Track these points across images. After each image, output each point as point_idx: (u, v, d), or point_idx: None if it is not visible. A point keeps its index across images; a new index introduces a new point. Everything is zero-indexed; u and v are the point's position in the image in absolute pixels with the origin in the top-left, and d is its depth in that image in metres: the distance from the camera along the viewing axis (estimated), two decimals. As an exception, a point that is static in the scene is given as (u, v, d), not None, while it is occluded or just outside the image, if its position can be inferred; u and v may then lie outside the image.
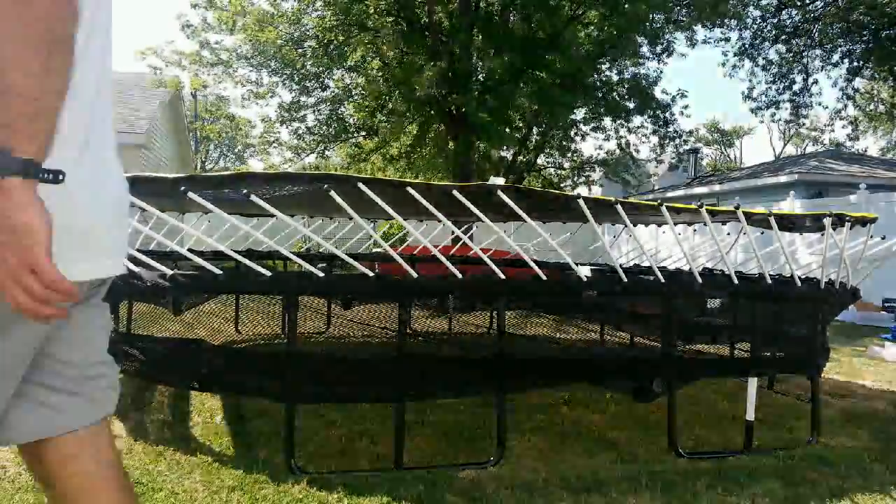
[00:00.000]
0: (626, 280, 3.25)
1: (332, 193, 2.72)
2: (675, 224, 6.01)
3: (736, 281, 3.47)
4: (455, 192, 2.91)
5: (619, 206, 3.11)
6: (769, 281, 3.59)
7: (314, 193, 3.06)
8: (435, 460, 3.16)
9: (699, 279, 3.40)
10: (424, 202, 2.85)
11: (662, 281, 3.34)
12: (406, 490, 2.76)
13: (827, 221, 3.52)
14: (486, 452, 3.25)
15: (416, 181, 3.08)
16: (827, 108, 36.08)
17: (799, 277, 3.75)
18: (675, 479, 3.02)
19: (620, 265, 3.69)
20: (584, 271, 3.13)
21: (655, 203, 3.22)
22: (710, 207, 3.44)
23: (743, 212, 3.37)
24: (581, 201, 3.05)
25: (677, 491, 2.90)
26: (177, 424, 3.64)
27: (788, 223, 3.94)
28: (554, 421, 3.92)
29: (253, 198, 2.69)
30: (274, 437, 3.37)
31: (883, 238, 4.34)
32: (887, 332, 7.58)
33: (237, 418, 3.77)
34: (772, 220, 3.42)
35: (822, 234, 3.72)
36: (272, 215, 2.86)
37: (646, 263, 5.42)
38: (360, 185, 2.72)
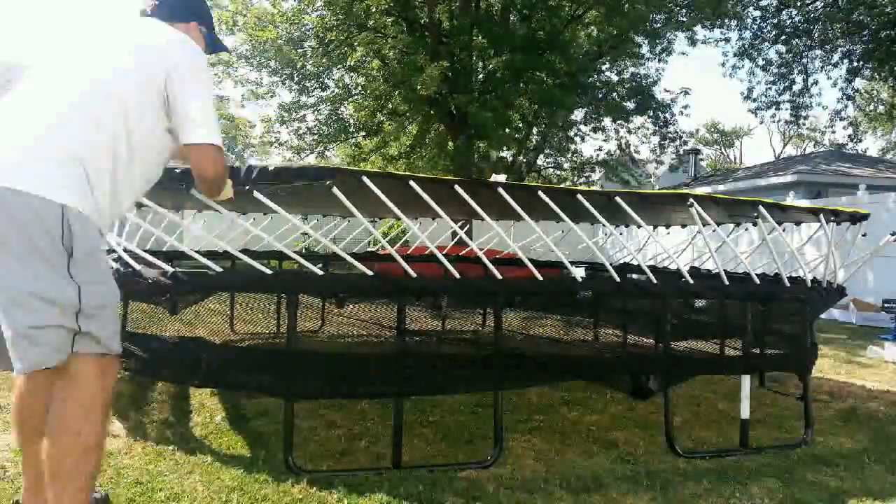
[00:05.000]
0: (619, 280, 3.28)
1: (335, 190, 2.72)
2: (672, 224, 6.01)
3: (727, 282, 3.51)
4: (456, 187, 2.92)
5: (621, 203, 3.12)
6: (757, 281, 3.62)
7: (312, 190, 3.06)
8: (435, 460, 3.16)
9: (690, 280, 3.44)
10: (426, 196, 2.86)
11: (655, 282, 3.37)
12: (406, 490, 2.76)
13: (822, 218, 3.55)
14: (486, 452, 3.24)
15: (418, 175, 3.10)
16: (826, 108, 36.07)
17: (788, 277, 3.79)
18: (675, 479, 3.02)
19: (620, 262, 3.71)
20: (579, 272, 3.15)
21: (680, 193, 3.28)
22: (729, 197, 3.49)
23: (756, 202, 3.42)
24: (594, 199, 3.05)
25: (677, 491, 2.90)
26: (177, 424, 3.63)
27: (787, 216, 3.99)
28: (554, 421, 3.91)
29: (256, 194, 2.69)
30: (274, 437, 3.37)
31: (864, 235, 4.35)
32: (887, 333, 7.58)
33: (237, 418, 3.77)
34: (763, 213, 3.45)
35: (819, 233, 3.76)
36: (270, 212, 2.86)
37: (650, 262, 5.44)
38: (365, 178, 2.73)
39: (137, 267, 2.89)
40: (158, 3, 2.22)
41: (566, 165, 18.33)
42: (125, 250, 3.13)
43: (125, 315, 4.37)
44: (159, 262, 2.87)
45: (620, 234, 7.86)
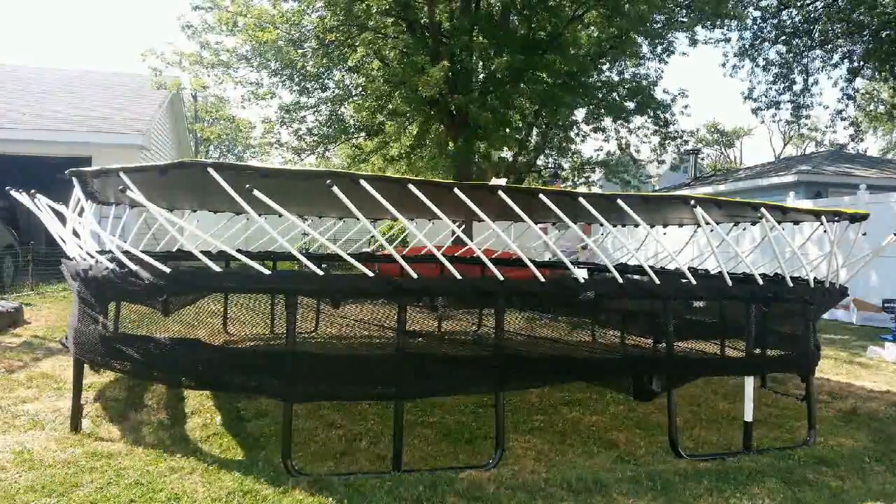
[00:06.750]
0: (622, 282, 3.27)
1: (335, 189, 2.72)
2: (669, 224, 5.99)
3: (730, 282, 3.50)
4: (456, 191, 2.92)
5: (624, 207, 3.12)
6: (760, 282, 3.62)
7: (310, 191, 3.06)
8: (436, 461, 3.16)
9: (693, 280, 3.43)
10: (425, 199, 2.86)
11: (658, 283, 3.36)
12: (406, 491, 2.75)
13: (824, 220, 3.55)
14: (486, 453, 3.24)
15: (417, 178, 3.11)
16: (827, 108, 36.01)
17: (791, 277, 3.79)
18: (675, 480, 3.02)
19: (618, 262, 3.70)
20: (581, 273, 3.15)
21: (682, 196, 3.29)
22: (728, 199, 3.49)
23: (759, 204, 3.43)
24: (596, 202, 3.04)
25: (677, 491, 2.89)
26: (177, 426, 3.63)
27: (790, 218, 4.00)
28: (554, 421, 3.91)
29: (256, 192, 2.68)
30: (274, 438, 3.37)
31: (864, 234, 4.35)
32: (887, 333, 7.57)
33: (237, 419, 3.76)
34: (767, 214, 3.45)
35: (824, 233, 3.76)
36: (269, 212, 2.86)
37: (648, 262, 5.45)
38: (363, 181, 2.73)
39: (134, 267, 2.88)
40: None
41: (566, 166, 18.32)
42: (122, 251, 3.13)
43: (115, 316, 4.34)
44: (155, 263, 2.87)
45: (617, 232, 7.87)
